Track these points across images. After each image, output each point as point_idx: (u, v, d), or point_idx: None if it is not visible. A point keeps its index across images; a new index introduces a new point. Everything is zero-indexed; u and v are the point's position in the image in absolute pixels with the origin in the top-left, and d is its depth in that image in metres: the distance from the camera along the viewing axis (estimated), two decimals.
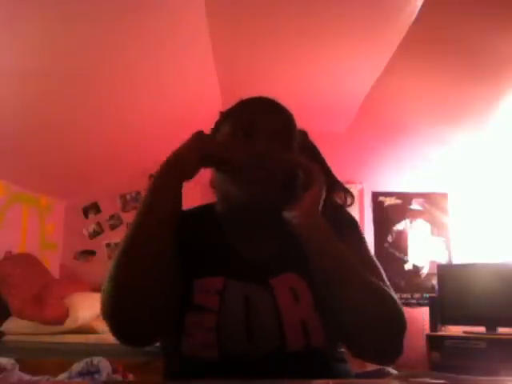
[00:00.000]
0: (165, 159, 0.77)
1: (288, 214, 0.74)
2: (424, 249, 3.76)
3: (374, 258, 0.80)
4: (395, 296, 0.72)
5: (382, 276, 0.77)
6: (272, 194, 0.76)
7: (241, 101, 0.85)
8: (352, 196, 0.88)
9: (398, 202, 3.85)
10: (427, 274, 3.69)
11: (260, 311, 0.71)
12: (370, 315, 0.69)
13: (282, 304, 0.71)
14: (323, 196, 0.73)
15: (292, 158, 0.78)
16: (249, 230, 0.82)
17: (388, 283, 0.76)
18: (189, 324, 0.70)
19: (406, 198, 3.85)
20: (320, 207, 0.73)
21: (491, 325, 2.96)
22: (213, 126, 0.87)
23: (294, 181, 0.77)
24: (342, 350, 0.78)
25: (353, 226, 0.84)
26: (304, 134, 0.88)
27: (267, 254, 0.78)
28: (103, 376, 2.08)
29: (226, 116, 0.84)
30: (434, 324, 3.12)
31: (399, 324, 0.70)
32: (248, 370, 0.68)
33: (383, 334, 0.69)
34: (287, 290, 0.73)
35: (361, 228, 0.86)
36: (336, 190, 0.86)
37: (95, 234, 3.95)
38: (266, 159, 0.75)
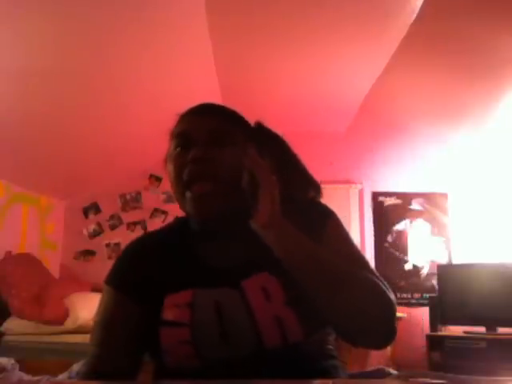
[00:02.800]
0: None
1: (254, 226, 0.71)
2: (424, 249, 3.76)
3: (356, 247, 0.80)
4: (380, 281, 0.72)
5: (365, 264, 0.77)
6: (223, 202, 0.75)
7: (178, 116, 0.86)
8: (316, 188, 0.85)
9: (398, 202, 3.85)
10: (427, 274, 3.69)
11: (232, 315, 0.71)
12: (361, 307, 0.69)
13: (254, 303, 0.72)
14: (276, 196, 0.69)
15: (232, 156, 0.76)
16: (216, 239, 0.81)
17: (372, 269, 0.76)
18: (165, 341, 0.72)
19: (406, 197, 3.85)
20: (278, 208, 0.69)
21: (491, 325, 2.96)
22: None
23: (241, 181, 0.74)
24: (330, 346, 0.77)
25: (329, 218, 0.81)
26: (259, 125, 0.86)
27: (237, 259, 0.77)
28: None
29: (171, 136, 0.85)
30: (434, 324, 3.11)
31: (388, 306, 0.71)
32: (232, 374, 0.69)
33: (375, 320, 0.70)
34: (259, 289, 0.73)
35: (338, 217, 0.83)
36: (299, 183, 0.84)
37: (95, 234, 3.95)
38: (201, 162, 0.74)
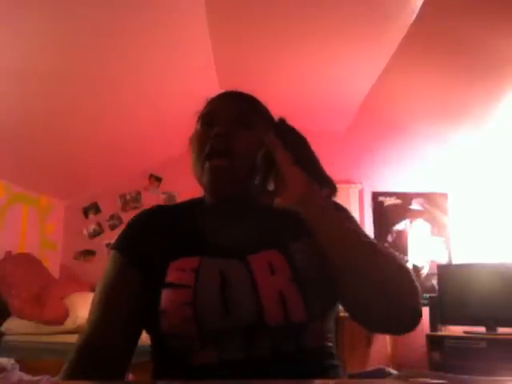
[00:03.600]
0: None
1: (280, 204, 0.73)
2: (424, 249, 3.76)
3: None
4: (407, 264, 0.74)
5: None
6: (236, 179, 0.79)
7: (207, 100, 0.90)
8: (332, 187, 0.86)
9: (398, 202, 3.85)
10: (427, 274, 3.69)
11: (235, 284, 0.71)
12: (392, 280, 0.69)
13: (258, 275, 0.72)
14: (301, 171, 0.73)
15: (253, 135, 0.80)
16: (226, 218, 0.84)
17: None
18: (166, 301, 0.71)
19: (406, 197, 3.85)
20: (308, 181, 0.73)
21: (491, 325, 2.95)
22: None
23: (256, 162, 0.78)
24: (331, 344, 0.76)
25: (343, 211, 0.87)
26: (282, 119, 0.87)
27: (246, 239, 0.79)
28: None
29: (197, 117, 0.89)
30: (434, 324, 3.11)
31: (415, 285, 0.71)
32: (227, 345, 0.69)
33: (404, 297, 0.70)
34: (265, 264, 0.74)
35: (351, 214, 0.88)
36: (315, 180, 0.86)
37: (95, 234, 3.95)
38: (222, 138, 0.78)
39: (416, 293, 0.70)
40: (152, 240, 0.80)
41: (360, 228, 0.83)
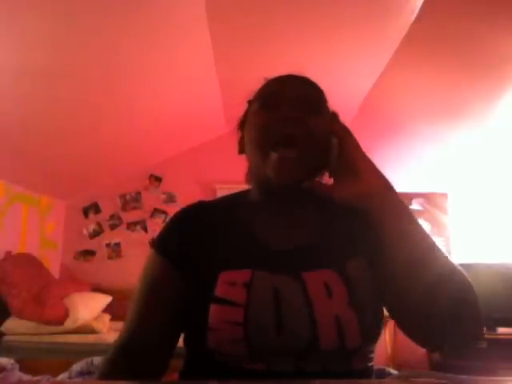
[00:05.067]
0: None
1: (346, 194, 0.70)
2: None
3: None
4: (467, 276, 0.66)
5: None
6: (304, 171, 0.72)
7: (266, 81, 0.83)
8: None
9: None
10: None
11: (291, 304, 0.66)
12: (455, 291, 0.64)
13: (315, 297, 0.66)
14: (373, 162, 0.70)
15: (323, 121, 0.74)
16: (278, 216, 0.77)
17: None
18: (214, 318, 0.66)
19: (406, 198, 3.84)
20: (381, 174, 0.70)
21: (491, 325, 2.96)
22: (242, 117, 0.84)
23: (328, 153, 0.72)
24: (372, 364, 0.73)
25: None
26: (335, 114, 0.82)
27: (296, 243, 0.73)
28: None
29: (254, 98, 0.80)
30: None
31: (477, 300, 0.65)
32: (277, 363, 0.65)
33: (467, 311, 0.64)
34: (321, 285, 0.67)
35: None
36: None
37: (95, 234, 3.95)
38: (294, 122, 0.70)
39: (479, 312, 0.64)
40: (197, 243, 0.74)
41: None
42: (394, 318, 0.72)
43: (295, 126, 0.70)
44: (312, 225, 0.76)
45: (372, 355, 0.73)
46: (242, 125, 0.82)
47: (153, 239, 0.79)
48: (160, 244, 0.77)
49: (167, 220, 0.81)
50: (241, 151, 0.81)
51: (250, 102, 0.82)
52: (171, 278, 0.73)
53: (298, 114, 0.71)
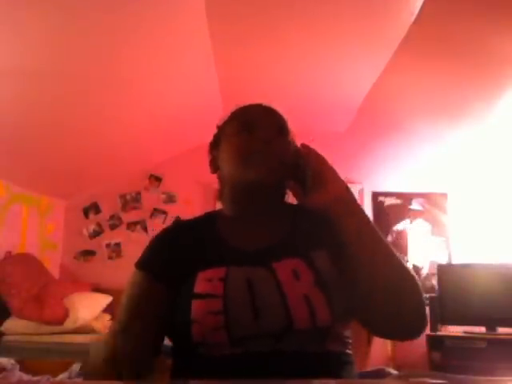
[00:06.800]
0: None
1: (315, 201, 0.78)
2: (424, 249, 3.76)
3: None
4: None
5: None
6: (276, 174, 0.83)
7: (239, 107, 0.94)
8: None
9: (398, 202, 3.85)
10: (427, 274, 3.69)
11: (263, 291, 0.74)
12: (402, 293, 0.73)
13: (284, 281, 0.75)
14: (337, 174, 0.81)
15: (292, 145, 0.87)
16: (251, 228, 0.86)
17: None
18: (196, 311, 0.73)
19: (406, 197, 3.85)
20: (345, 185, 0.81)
21: (491, 325, 2.96)
22: (213, 139, 0.95)
23: (296, 170, 0.83)
24: (350, 352, 0.78)
25: None
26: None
27: (267, 244, 0.83)
28: None
29: (228, 120, 0.92)
30: (434, 324, 3.11)
31: (421, 291, 0.75)
32: (257, 352, 0.71)
33: (413, 301, 0.74)
34: (289, 270, 0.76)
35: None
36: None
37: (95, 234, 3.95)
38: (268, 146, 0.83)
39: (422, 302, 0.75)
40: (177, 254, 0.83)
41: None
42: (358, 311, 0.79)
43: (270, 147, 0.83)
44: (282, 228, 0.86)
45: (348, 340, 0.79)
46: (213, 146, 0.94)
47: (137, 262, 0.87)
48: (140, 262, 0.85)
49: (155, 234, 0.91)
50: (214, 171, 0.93)
51: (219, 127, 0.94)
52: (153, 291, 0.81)
53: (272, 136, 0.85)
